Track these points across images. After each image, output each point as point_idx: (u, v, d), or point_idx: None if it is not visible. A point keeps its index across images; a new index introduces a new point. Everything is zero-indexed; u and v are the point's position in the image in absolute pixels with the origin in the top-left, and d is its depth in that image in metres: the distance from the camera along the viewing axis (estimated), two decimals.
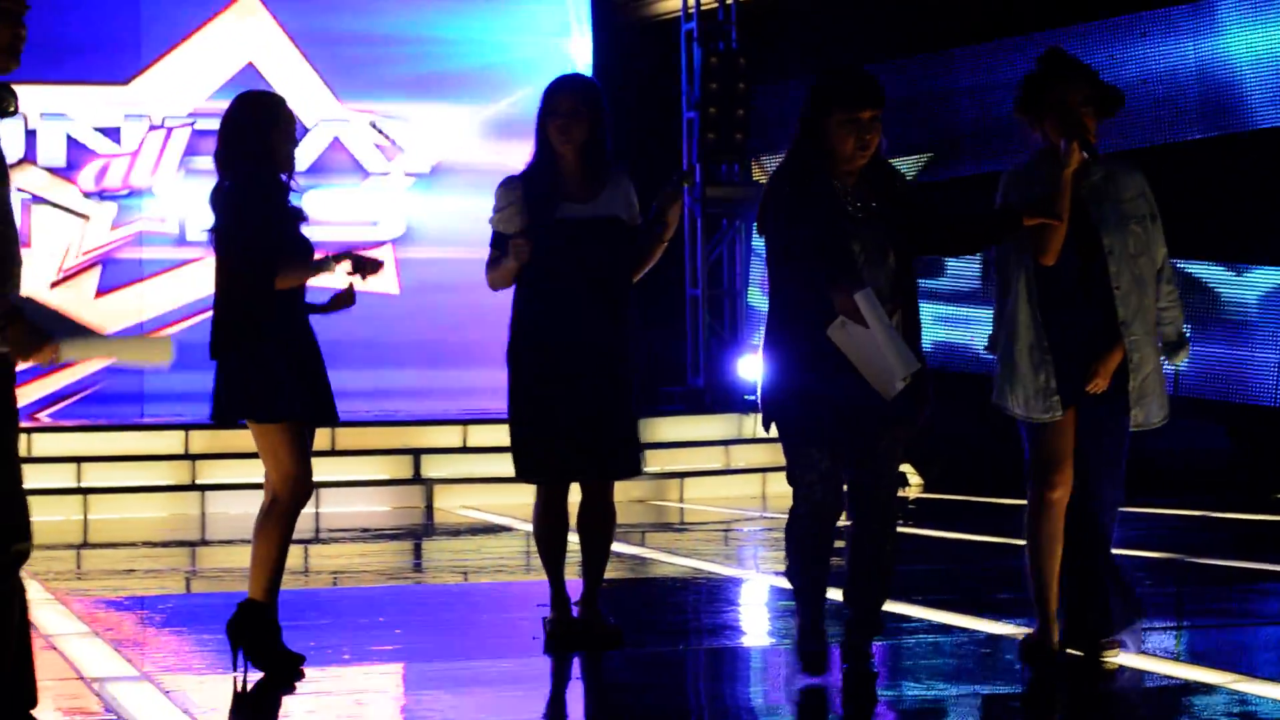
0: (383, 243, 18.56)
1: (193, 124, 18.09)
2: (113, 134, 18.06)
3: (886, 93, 7.32)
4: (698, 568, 11.64)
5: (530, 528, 8.54)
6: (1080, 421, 7.54)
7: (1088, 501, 7.63)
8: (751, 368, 17.72)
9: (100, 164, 17.99)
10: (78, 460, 15.74)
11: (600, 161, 8.15)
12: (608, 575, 8.53)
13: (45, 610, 9.73)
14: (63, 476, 15.59)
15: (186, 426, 16.29)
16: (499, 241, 8.16)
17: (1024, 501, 7.63)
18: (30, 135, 17.58)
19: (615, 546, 8.61)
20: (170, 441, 16.25)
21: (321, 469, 15.68)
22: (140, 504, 15.69)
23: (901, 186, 7.50)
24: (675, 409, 18.39)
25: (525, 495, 8.62)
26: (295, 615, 9.40)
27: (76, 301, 17.75)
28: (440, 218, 18.71)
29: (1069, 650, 7.61)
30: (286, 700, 7.40)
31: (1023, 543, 7.66)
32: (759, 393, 7.53)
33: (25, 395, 16.49)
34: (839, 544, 7.49)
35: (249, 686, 7.56)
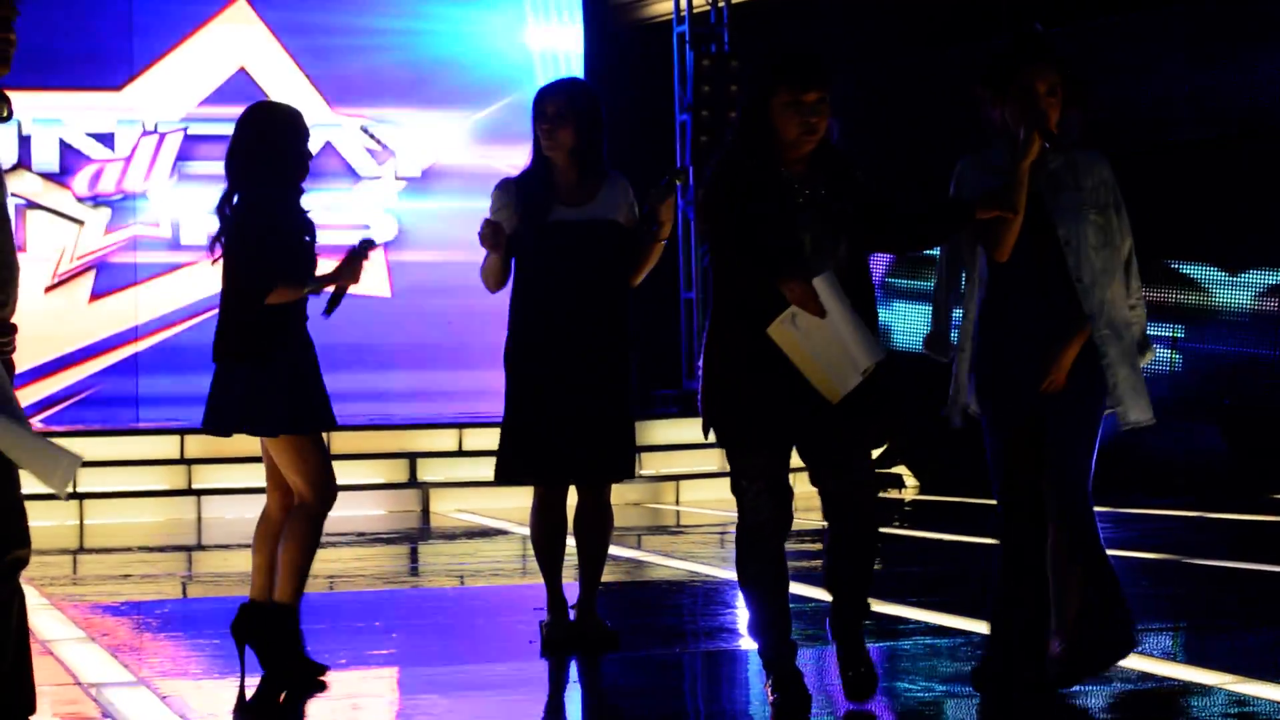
0: (375, 246, 18.55)
1: (185, 129, 18.09)
2: (106, 139, 18.06)
3: (876, 91, 7.13)
4: (694, 571, 11.64)
5: (527, 531, 8.54)
6: (1042, 425, 6.94)
7: (1062, 510, 7.01)
8: None
9: (94, 169, 17.99)
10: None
11: (594, 165, 8.14)
12: (604, 578, 8.53)
13: (42, 616, 9.72)
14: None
15: (182, 431, 16.28)
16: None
17: None
18: (24, 140, 17.59)
19: (611, 550, 8.61)
20: (166, 446, 16.24)
21: None
22: (136, 509, 15.68)
23: (856, 176, 6.91)
24: (670, 412, 18.38)
25: (521, 499, 8.61)
26: None
27: (71, 306, 17.74)
28: (431, 221, 18.73)
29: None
30: (284, 705, 7.39)
31: None
32: (699, 395, 6.97)
33: (20, 399, 16.39)
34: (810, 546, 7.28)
35: (248, 690, 7.55)
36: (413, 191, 18.94)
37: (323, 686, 7.60)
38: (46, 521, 14.76)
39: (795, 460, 6.95)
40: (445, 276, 17.98)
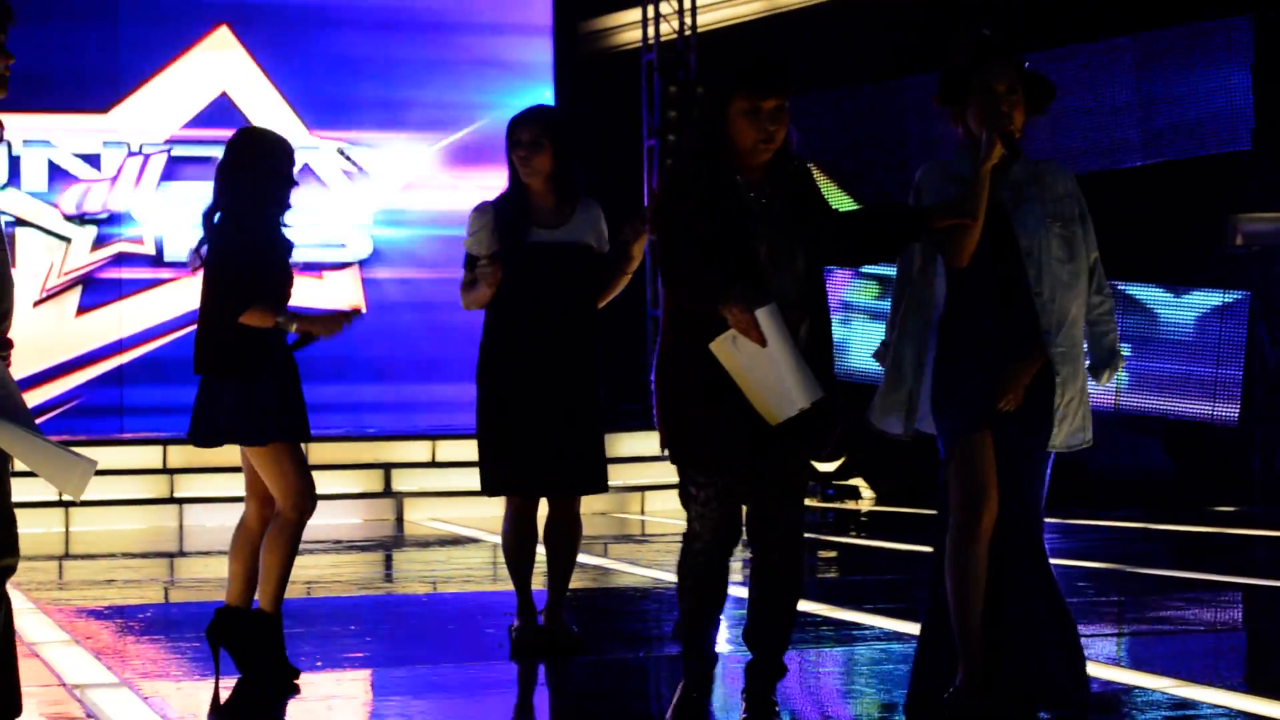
0: (350, 264, 18.56)
1: (169, 151, 18.07)
2: (93, 160, 18.04)
3: (845, 119, 6.81)
4: (658, 578, 11.64)
5: (499, 540, 8.54)
6: (995, 444, 6.37)
7: (1009, 536, 6.44)
8: None
9: (81, 189, 17.96)
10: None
11: (569, 188, 8.15)
12: (573, 585, 8.53)
13: (28, 619, 9.70)
14: (45, 489, 15.38)
15: (165, 441, 16.27)
16: (472, 263, 8.17)
17: None
18: (14, 161, 17.57)
19: (580, 558, 8.61)
20: (149, 456, 16.22)
21: None
22: (120, 516, 15.66)
23: (811, 185, 6.46)
24: (635, 425, 18.38)
25: (493, 507, 8.62)
26: None
27: (59, 320, 17.71)
28: (404, 241, 18.71)
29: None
30: (260, 706, 7.39)
31: None
32: (654, 411, 6.48)
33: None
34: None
35: (224, 692, 7.54)
36: (387, 212, 18.93)
37: (297, 689, 7.59)
38: (34, 529, 14.72)
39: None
40: (417, 293, 17.99)
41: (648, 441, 17.36)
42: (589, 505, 11.43)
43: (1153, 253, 16.81)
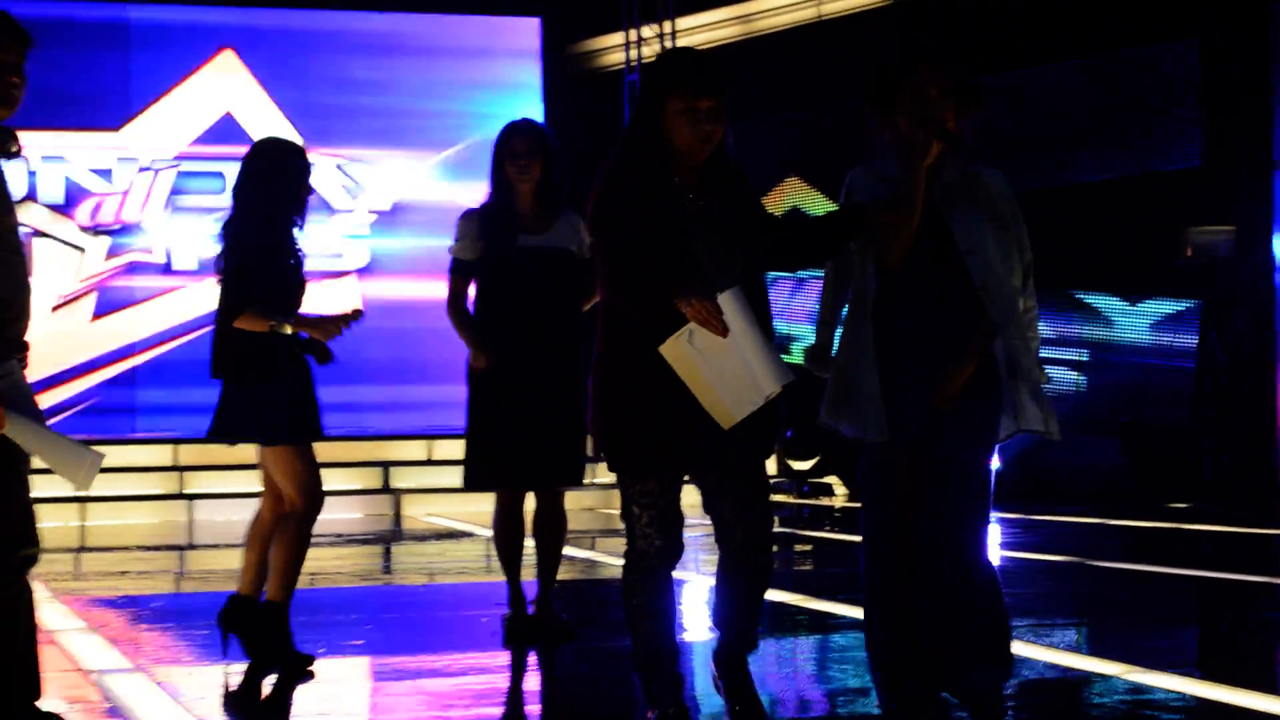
0: (348, 272, 18.56)
1: (178, 166, 18.08)
2: (106, 175, 18.04)
3: (817, 138, 6.49)
4: None
5: (491, 534, 8.55)
6: (932, 449, 6.01)
7: (950, 544, 6.03)
8: None
9: (95, 202, 17.96)
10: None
11: (552, 197, 8.19)
12: (561, 576, 8.54)
13: (47, 608, 9.69)
14: (62, 486, 15.42)
15: (176, 440, 16.27)
16: (459, 268, 8.19)
17: None
18: (32, 176, 17.56)
19: (568, 550, 8.63)
20: (160, 454, 16.22)
21: None
22: (133, 511, 15.65)
23: (747, 189, 6.03)
24: None
25: (486, 503, 8.60)
26: None
27: (75, 325, 17.69)
28: (399, 251, 18.73)
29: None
30: (267, 689, 7.38)
31: None
32: (589, 421, 6.05)
33: None
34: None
35: (233, 676, 7.54)
36: (383, 224, 18.93)
37: (310, 675, 7.59)
38: (52, 523, 14.70)
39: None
40: (411, 299, 17.99)
41: None
42: (576, 501, 11.45)
43: (1108, 264, 16.83)
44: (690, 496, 5.93)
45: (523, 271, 8.07)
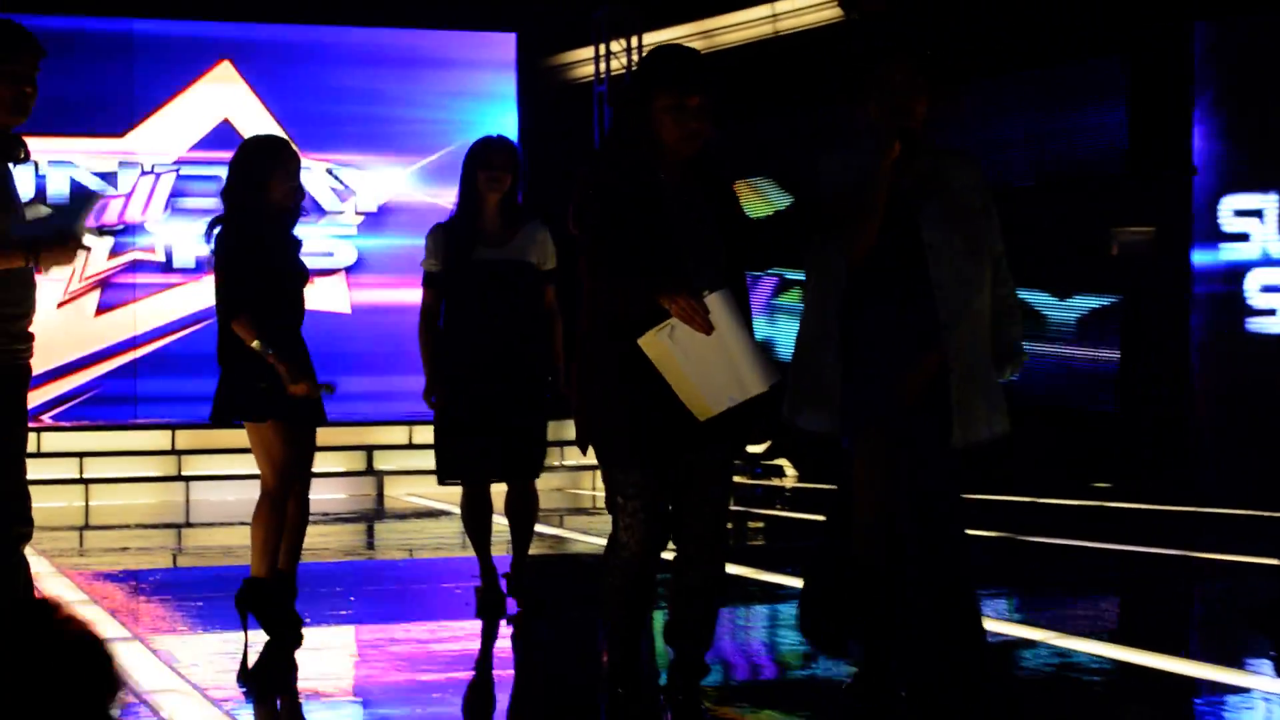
0: (337, 270, 18.55)
1: (177, 170, 18.03)
2: (110, 178, 17.98)
3: (791, 144, 5.90)
4: None
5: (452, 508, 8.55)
6: (900, 441, 5.61)
7: (921, 533, 5.62)
8: None
9: (99, 203, 17.90)
10: (79, 455, 15.67)
11: (514, 211, 8.18)
12: (533, 553, 8.55)
13: (51, 582, 9.67)
14: (66, 469, 15.51)
15: (174, 426, 16.24)
16: (429, 280, 8.22)
17: None
18: (40, 179, 17.51)
19: (538, 528, 8.63)
20: (159, 439, 16.18)
21: None
22: (133, 492, 15.61)
23: (731, 187, 5.81)
24: None
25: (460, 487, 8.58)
26: None
27: (80, 319, 17.65)
28: (385, 250, 18.71)
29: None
30: (257, 656, 7.39)
31: None
32: (574, 411, 5.75)
33: (32, 399, 16.35)
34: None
35: (227, 645, 7.55)
36: (370, 225, 18.91)
37: (300, 639, 7.60)
38: (58, 503, 14.67)
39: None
40: (396, 296, 17.98)
41: None
42: (546, 483, 11.43)
43: (1040, 262, 16.87)
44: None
45: (482, 282, 8.07)
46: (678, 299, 5.23)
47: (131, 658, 7.24)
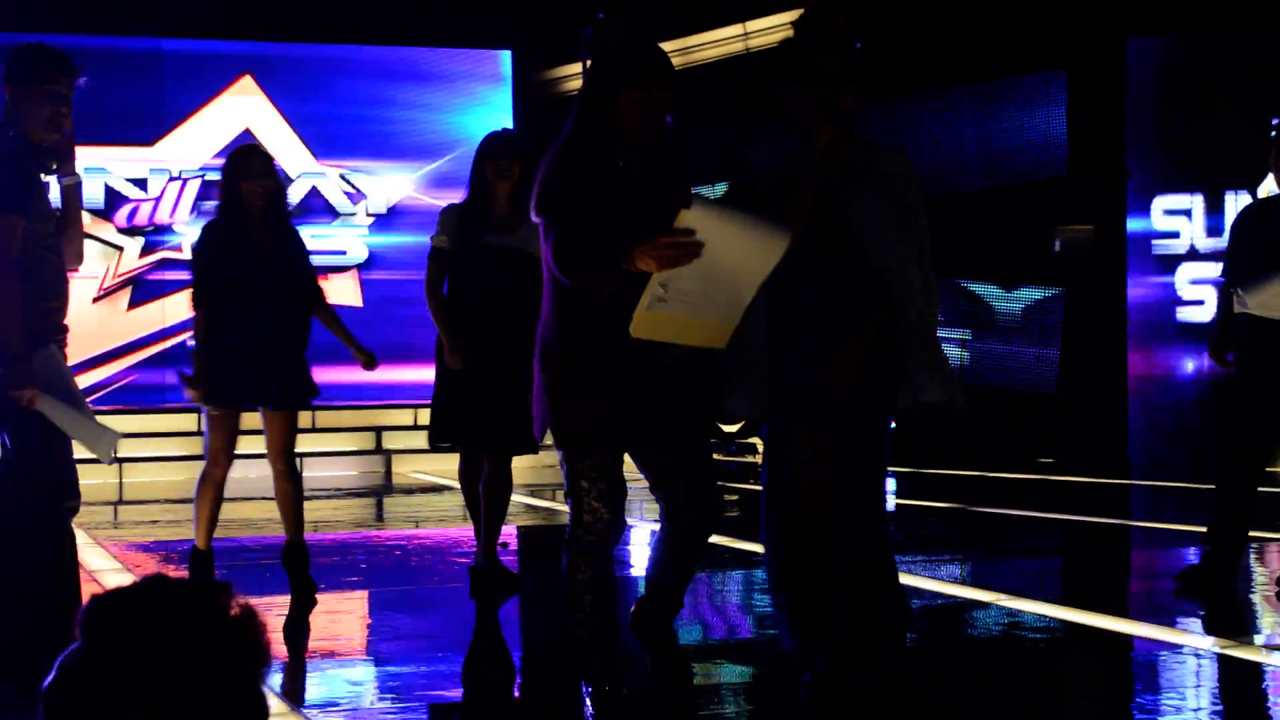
0: (350, 267, 18.51)
1: (203, 176, 17.96)
2: (141, 184, 17.93)
3: (766, 159, 5.14)
4: None
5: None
6: (828, 425, 5.15)
7: (849, 515, 5.15)
8: None
9: (131, 207, 17.85)
10: (109, 428, 15.66)
11: (524, 202, 8.03)
12: (525, 524, 8.55)
13: (89, 552, 9.66)
14: None
15: (199, 410, 16.21)
16: (436, 256, 8.11)
17: None
18: (77, 185, 17.45)
19: (529, 501, 8.63)
20: (187, 422, 16.14)
21: (304, 443, 15.43)
22: (163, 470, 15.59)
23: (684, 176, 5.30)
24: None
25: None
26: None
27: (113, 314, 17.60)
28: (394, 248, 18.66)
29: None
30: (275, 619, 7.38)
31: None
32: (534, 399, 5.37)
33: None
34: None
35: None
36: (380, 225, 18.86)
37: (314, 603, 7.60)
38: (94, 480, 14.65)
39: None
40: (404, 291, 17.94)
41: None
42: (538, 460, 11.40)
43: (988, 257, 16.89)
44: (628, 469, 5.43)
45: (487, 265, 7.96)
46: (654, 247, 4.68)
47: None
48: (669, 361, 5.04)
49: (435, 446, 8.32)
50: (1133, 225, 15.82)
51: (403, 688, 6.03)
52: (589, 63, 5.15)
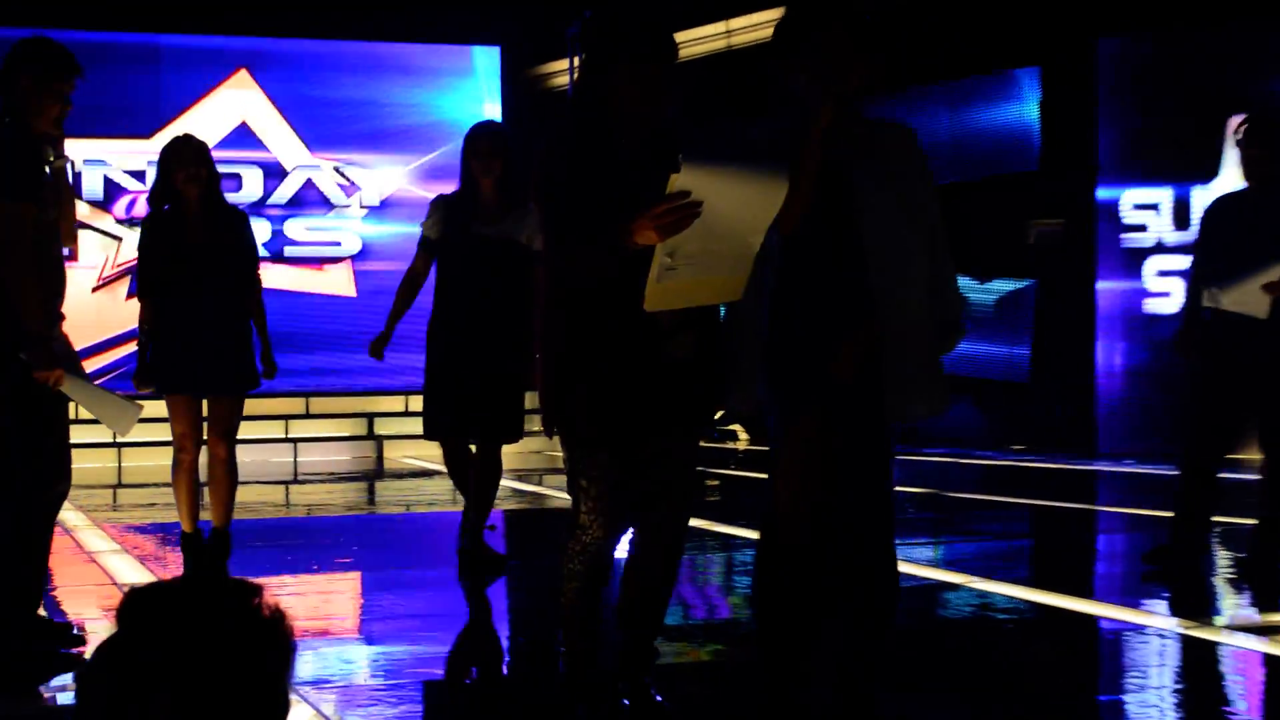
0: (344, 258, 18.49)
1: None
2: (139, 175, 17.89)
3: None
4: None
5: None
6: (832, 422, 4.64)
7: (850, 523, 4.72)
8: None
9: (129, 198, 17.82)
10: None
11: (510, 192, 7.97)
12: (512, 507, 8.55)
13: (88, 534, 9.66)
14: (102, 433, 15.38)
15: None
16: (425, 245, 8.10)
17: None
18: (77, 177, 17.43)
19: (517, 485, 8.62)
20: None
21: (298, 428, 15.50)
22: (161, 454, 15.50)
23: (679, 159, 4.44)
24: None
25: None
26: (279, 536, 9.36)
27: (112, 302, 17.57)
28: (387, 239, 18.64)
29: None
30: (269, 601, 7.37)
31: None
32: (539, 391, 4.87)
33: None
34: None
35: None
36: (373, 217, 18.85)
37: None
38: (94, 464, 14.65)
39: None
40: (396, 281, 17.91)
41: None
42: (526, 445, 11.41)
43: (963, 249, 16.91)
44: None
45: (474, 254, 7.92)
46: (652, 217, 4.28)
47: None
48: (679, 357, 4.66)
49: (430, 437, 8.30)
50: (1102, 218, 15.85)
51: (393, 666, 6.05)
52: (583, 46, 4.58)
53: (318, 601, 7.40)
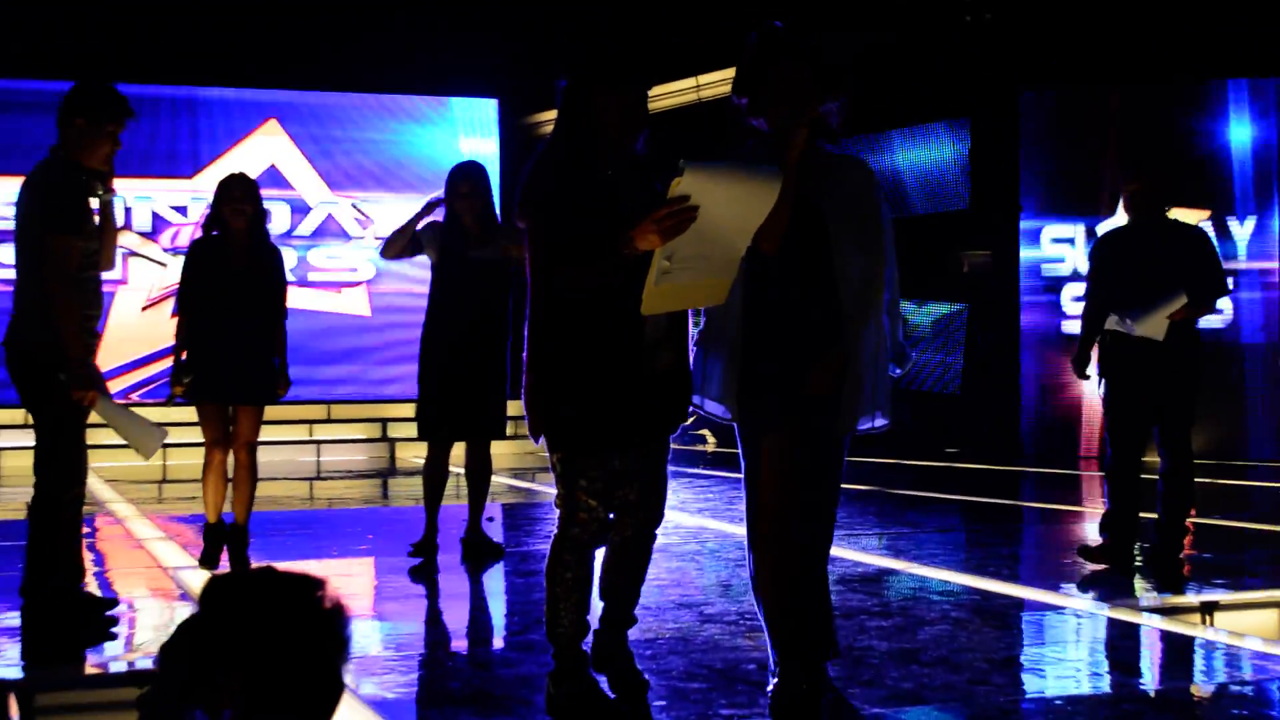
0: (360, 282, 18.45)
1: None
2: (182, 210, 17.85)
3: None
4: None
5: (461, 470, 8.35)
6: (798, 431, 4.48)
7: (806, 522, 4.57)
8: None
9: (174, 229, 17.78)
10: (159, 424, 15.54)
11: (490, 221, 7.95)
12: (506, 501, 8.51)
13: (137, 523, 9.62)
14: None
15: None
16: (405, 225, 8.01)
17: None
18: (128, 211, 17.38)
19: (510, 481, 8.60)
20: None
21: (320, 431, 15.44)
22: (202, 454, 15.51)
23: (656, 184, 4.44)
24: None
25: (457, 449, 8.51)
26: (302, 526, 9.32)
27: (158, 322, 17.51)
28: (399, 267, 18.61)
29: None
30: (330, 594, 7.34)
31: None
32: (524, 401, 4.56)
33: (123, 382, 16.26)
34: None
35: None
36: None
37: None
38: (142, 462, 14.58)
39: None
40: (408, 302, 17.91)
41: None
42: (520, 446, 11.38)
43: (904, 276, 16.87)
44: None
45: (463, 275, 7.88)
46: (654, 221, 4.07)
47: (199, 582, 7.20)
48: (659, 368, 4.51)
49: (424, 437, 8.25)
50: (1025, 251, 15.90)
51: (404, 640, 6.04)
52: (565, 72, 4.49)
53: (337, 583, 7.36)
